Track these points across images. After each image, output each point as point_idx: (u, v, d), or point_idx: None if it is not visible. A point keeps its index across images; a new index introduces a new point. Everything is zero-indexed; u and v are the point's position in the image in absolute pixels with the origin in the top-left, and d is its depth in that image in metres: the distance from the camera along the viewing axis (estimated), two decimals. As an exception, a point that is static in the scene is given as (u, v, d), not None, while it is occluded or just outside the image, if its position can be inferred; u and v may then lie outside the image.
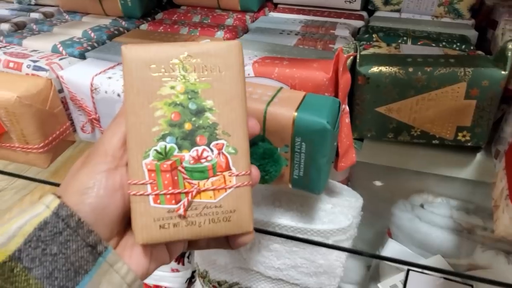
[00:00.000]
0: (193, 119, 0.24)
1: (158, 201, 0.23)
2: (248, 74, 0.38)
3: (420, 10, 0.57)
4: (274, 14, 0.59)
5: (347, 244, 0.44)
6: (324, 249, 0.43)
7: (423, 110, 0.39)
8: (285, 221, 0.43)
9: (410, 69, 0.37)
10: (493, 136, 0.43)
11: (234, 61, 0.24)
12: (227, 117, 0.24)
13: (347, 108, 0.39)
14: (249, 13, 0.58)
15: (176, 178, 0.24)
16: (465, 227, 0.44)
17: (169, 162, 0.24)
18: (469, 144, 0.40)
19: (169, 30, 0.52)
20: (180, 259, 0.64)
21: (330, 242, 0.42)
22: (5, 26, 0.55)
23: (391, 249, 0.45)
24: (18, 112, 0.36)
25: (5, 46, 0.46)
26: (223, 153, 0.24)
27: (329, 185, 0.46)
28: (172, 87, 0.24)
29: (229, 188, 0.24)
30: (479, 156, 0.44)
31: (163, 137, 0.23)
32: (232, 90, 0.24)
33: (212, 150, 0.24)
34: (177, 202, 0.24)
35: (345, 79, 0.35)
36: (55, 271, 0.21)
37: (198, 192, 0.24)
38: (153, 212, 0.23)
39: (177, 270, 0.65)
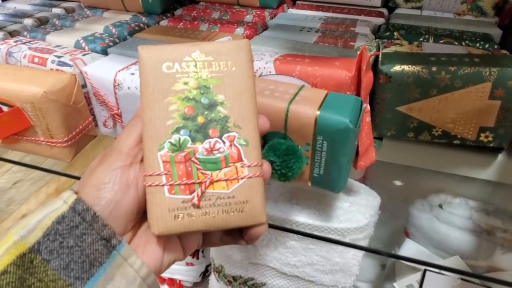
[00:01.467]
0: (206, 112, 0.25)
1: (173, 191, 0.24)
2: (270, 72, 0.38)
3: (442, 7, 0.56)
4: (293, 11, 0.58)
5: (363, 243, 0.44)
6: (340, 247, 0.43)
7: (445, 110, 0.39)
8: (302, 218, 0.43)
9: (434, 68, 0.37)
10: (516, 137, 0.42)
11: (243, 58, 0.26)
12: (238, 111, 0.25)
13: (369, 107, 0.39)
14: (268, 10, 0.58)
15: (190, 169, 0.24)
16: (484, 228, 0.44)
17: (183, 154, 0.24)
18: (491, 145, 0.40)
19: (189, 26, 0.52)
20: (194, 253, 0.65)
21: (347, 240, 0.42)
22: (29, 21, 0.56)
23: (408, 248, 0.45)
24: (44, 107, 0.37)
25: (30, 41, 0.47)
26: (235, 145, 0.25)
27: (347, 183, 0.46)
28: (186, 83, 0.25)
29: (241, 178, 0.25)
30: (500, 157, 0.43)
31: (177, 130, 0.24)
32: (242, 85, 0.25)
33: (224, 142, 0.25)
34: (191, 193, 0.24)
35: (368, 78, 0.35)
36: (72, 263, 0.21)
37: (211, 183, 0.25)
38: (168, 202, 0.24)
39: (192, 264, 0.66)
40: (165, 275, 0.68)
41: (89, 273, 0.22)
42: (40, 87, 0.37)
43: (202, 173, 0.25)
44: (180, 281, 0.69)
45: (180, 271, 0.67)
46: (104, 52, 0.45)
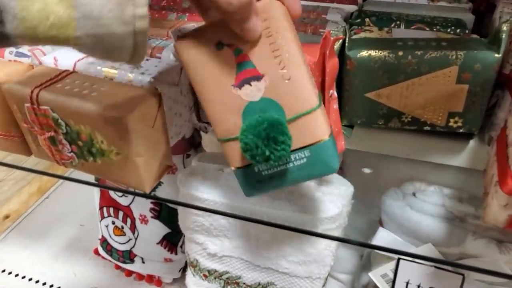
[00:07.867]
0: None
1: None
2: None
3: (416, -6, 0.55)
4: None
5: (336, 233, 0.44)
6: (313, 238, 0.43)
7: (413, 95, 0.38)
8: (273, 209, 0.42)
9: (400, 53, 0.36)
10: (488, 123, 0.42)
11: None
12: None
13: (335, 94, 0.38)
14: (240, -1, 0.56)
15: None
16: (457, 215, 0.43)
17: None
18: (461, 130, 0.39)
19: (157, 16, 0.51)
20: (173, 248, 0.64)
21: (318, 231, 0.42)
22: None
23: (382, 237, 0.44)
24: (-1, 98, 0.36)
25: (-11, 33, 0.45)
26: None
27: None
28: None
29: None
30: (472, 143, 0.43)
31: None
32: None
33: None
34: None
35: (332, 63, 0.34)
36: None
37: None
38: None
39: (170, 260, 0.65)
40: (144, 272, 0.67)
41: None
42: (-6, 77, 0.35)
43: None
44: (159, 277, 0.68)
45: (159, 267, 0.66)
46: (67, 43, 0.44)
